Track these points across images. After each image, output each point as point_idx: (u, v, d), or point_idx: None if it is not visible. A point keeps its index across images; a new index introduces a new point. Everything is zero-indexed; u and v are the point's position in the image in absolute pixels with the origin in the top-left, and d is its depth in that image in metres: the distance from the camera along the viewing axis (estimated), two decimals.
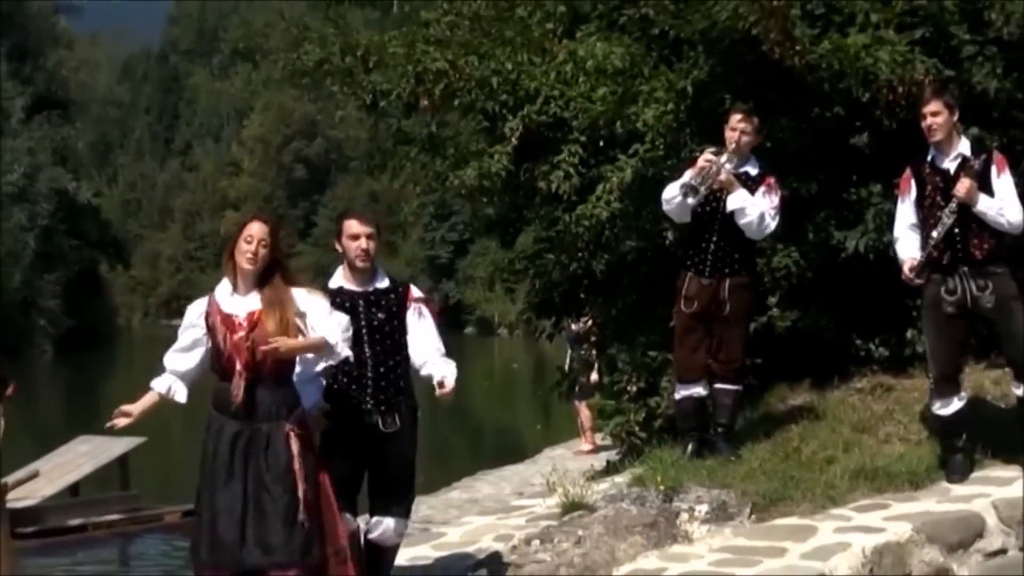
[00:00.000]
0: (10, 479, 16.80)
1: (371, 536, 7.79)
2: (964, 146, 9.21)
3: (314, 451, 7.32)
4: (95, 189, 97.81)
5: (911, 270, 9.14)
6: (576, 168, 11.21)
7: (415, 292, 7.91)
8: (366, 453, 7.64)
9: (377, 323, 7.71)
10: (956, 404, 9.28)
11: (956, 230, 9.01)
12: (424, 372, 7.81)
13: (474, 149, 11.81)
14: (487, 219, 13.84)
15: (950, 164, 9.13)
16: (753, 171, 9.63)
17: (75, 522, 17.81)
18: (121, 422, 7.18)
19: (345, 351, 7.34)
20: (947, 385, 9.28)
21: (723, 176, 9.45)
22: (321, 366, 7.41)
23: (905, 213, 9.32)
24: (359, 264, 7.73)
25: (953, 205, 8.97)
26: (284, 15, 13.02)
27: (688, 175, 9.47)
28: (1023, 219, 9.06)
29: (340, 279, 7.83)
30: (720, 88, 10.98)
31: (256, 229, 7.28)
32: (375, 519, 7.74)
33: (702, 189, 9.41)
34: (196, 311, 7.35)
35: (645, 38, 11.42)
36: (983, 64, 10.34)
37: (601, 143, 11.28)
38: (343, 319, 7.36)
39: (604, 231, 11.12)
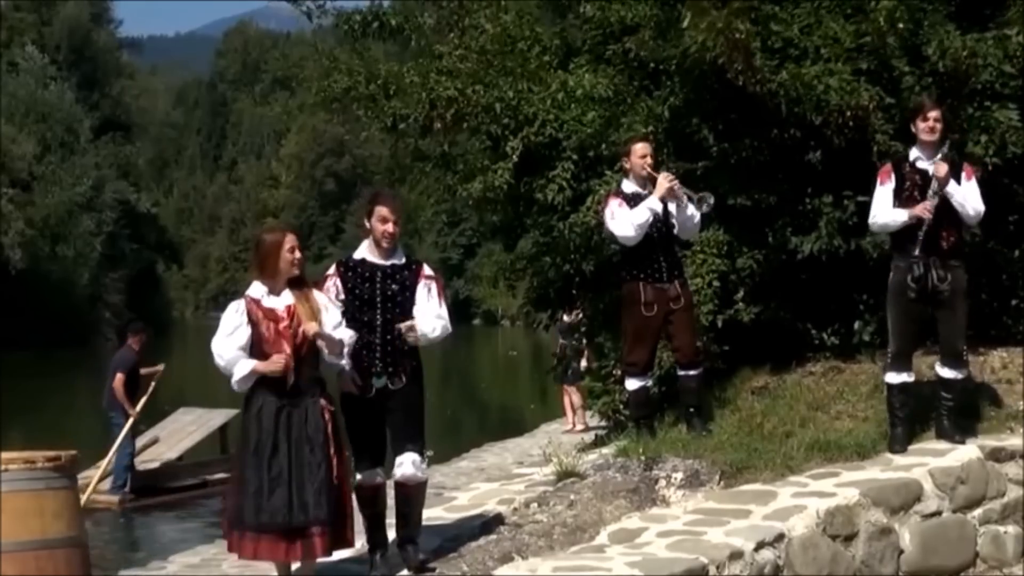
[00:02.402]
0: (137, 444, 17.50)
1: (397, 476, 7.70)
2: (941, 153, 9.22)
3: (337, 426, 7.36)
4: (153, 199, 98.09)
5: (924, 210, 9.06)
6: (568, 182, 11.19)
7: (427, 270, 7.82)
8: (381, 409, 7.60)
9: (391, 293, 7.64)
10: (905, 377, 9.32)
11: (930, 221, 9.03)
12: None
13: (480, 165, 11.78)
14: (492, 226, 13.82)
15: (930, 166, 9.15)
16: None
17: (196, 480, 18.13)
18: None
19: (343, 360, 7.41)
20: (902, 360, 9.32)
21: (702, 194, 9.60)
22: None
23: (886, 196, 9.27)
24: (384, 244, 7.68)
25: (936, 185, 9.01)
26: (317, 48, 13.01)
27: (654, 199, 9.46)
28: (980, 213, 9.23)
29: (365, 251, 7.76)
30: (692, 112, 10.98)
31: (293, 240, 7.38)
32: (397, 459, 7.67)
33: (708, 197, 9.59)
34: (236, 307, 7.38)
35: (627, 69, 11.42)
36: (920, 92, 10.31)
37: (590, 160, 11.26)
38: (351, 331, 7.44)
39: (593, 236, 11.09)
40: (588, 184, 11.17)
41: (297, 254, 7.34)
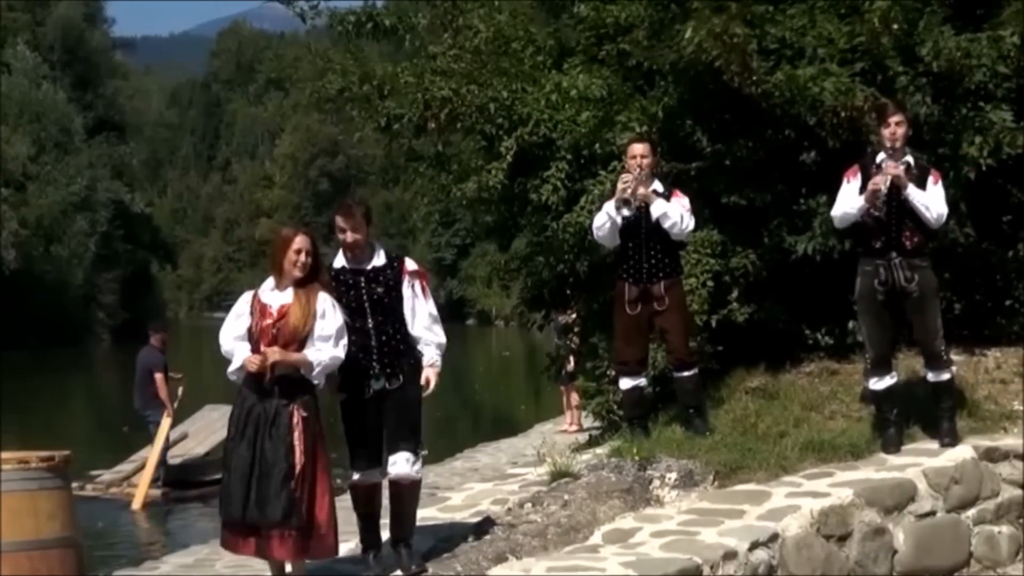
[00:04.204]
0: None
1: (391, 475, 7.68)
2: (908, 157, 9.24)
3: (318, 432, 7.30)
4: (147, 200, 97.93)
5: (874, 184, 9.08)
6: (563, 182, 11.17)
7: (409, 265, 7.79)
8: (378, 409, 7.59)
9: (377, 297, 7.63)
10: (888, 381, 9.33)
11: (892, 221, 9.06)
12: (419, 347, 7.73)
13: (474, 165, 11.78)
14: (486, 226, 13.79)
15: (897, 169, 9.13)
16: (660, 188, 9.58)
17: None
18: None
19: (320, 380, 7.36)
20: (882, 365, 9.31)
21: (642, 191, 9.43)
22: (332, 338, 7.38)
23: (851, 191, 9.27)
24: (347, 253, 7.71)
25: (887, 179, 9.01)
26: (311, 49, 12.99)
27: (609, 203, 9.50)
28: (941, 218, 9.19)
29: (341, 259, 7.76)
30: (687, 113, 10.98)
31: (302, 242, 7.36)
32: (391, 457, 7.65)
33: (633, 201, 9.40)
34: (245, 297, 7.49)
35: (622, 70, 11.41)
36: (915, 93, 10.33)
37: (584, 160, 11.25)
38: (339, 351, 7.36)
39: (587, 237, 11.08)
40: (582, 184, 11.16)
41: (303, 257, 7.31)
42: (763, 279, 10.95)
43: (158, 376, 17.42)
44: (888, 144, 9.19)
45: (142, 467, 17.58)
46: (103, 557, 12.27)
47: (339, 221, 7.69)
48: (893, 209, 9.09)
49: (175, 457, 18.12)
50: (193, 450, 18.72)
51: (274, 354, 7.18)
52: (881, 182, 9.06)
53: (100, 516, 15.46)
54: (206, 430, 19.25)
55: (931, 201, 9.11)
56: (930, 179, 9.21)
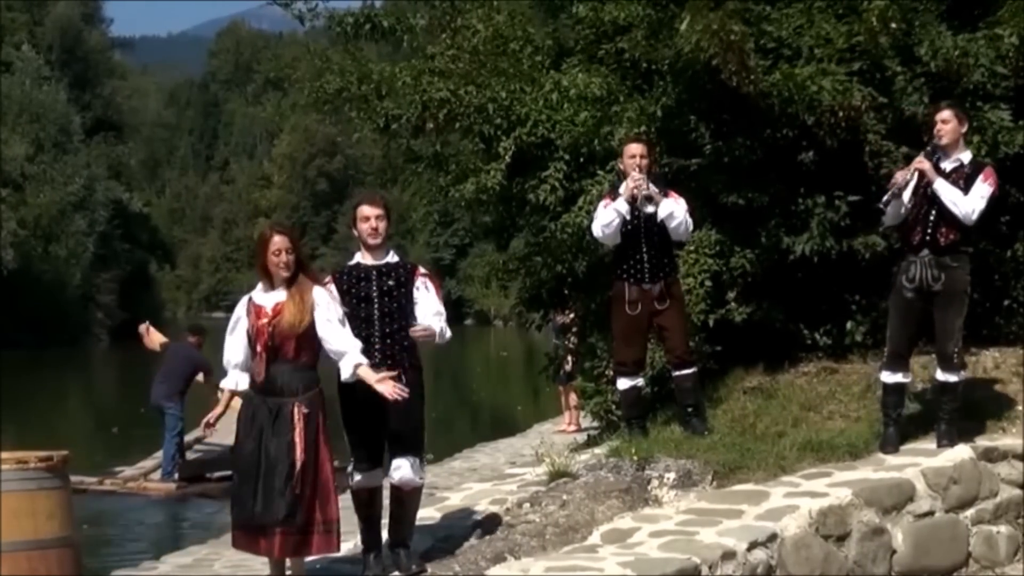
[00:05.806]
0: (188, 437, 17.86)
1: (392, 480, 7.70)
2: (966, 155, 9.22)
3: (321, 430, 7.31)
4: (145, 199, 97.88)
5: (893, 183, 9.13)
6: (561, 182, 11.18)
7: (422, 269, 7.87)
8: (379, 409, 7.55)
9: (387, 288, 7.66)
10: (899, 378, 9.30)
11: (931, 216, 9.03)
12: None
13: (472, 166, 11.77)
14: (484, 226, 13.78)
15: (948, 165, 9.13)
16: (656, 190, 9.57)
17: None
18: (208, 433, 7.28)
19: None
20: (897, 360, 9.30)
21: (649, 192, 9.44)
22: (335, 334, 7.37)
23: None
24: (370, 241, 7.70)
25: (913, 171, 9.02)
26: (309, 49, 12.99)
27: (620, 201, 9.46)
28: (972, 213, 9.00)
29: (358, 257, 7.81)
30: (685, 112, 10.98)
31: (280, 241, 7.36)
32: (393, 463, 7.67)
33: (656, 197, 9.41)
34: (240, 305, 7.51)
35: (620, 69, 11.41)
36: (912, 93, 10.34)
37: (582, 160, 11.25)
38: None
39: (585, 237, 11.08)
40: (580, 184, 11.17)
41: (283, 256, 7.32)
42: (761, 279, 10.95)
43: (203, 374, 17.71)
44: (937, 142, 9.16)
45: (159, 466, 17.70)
46: (113, 553, 12.31)
47: (365, 209, 7.72)
48: (933, 206, 9.07)
49: (211, 446, 18.16)
50: (223, 440, 18.75)
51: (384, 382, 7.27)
52: (901, 176, 9.08)
53: (112, 512, 15.49)
54: (229, 426, 19.28)
55: (960, 198, 8.98)
56: (980, 176, 9.11)
